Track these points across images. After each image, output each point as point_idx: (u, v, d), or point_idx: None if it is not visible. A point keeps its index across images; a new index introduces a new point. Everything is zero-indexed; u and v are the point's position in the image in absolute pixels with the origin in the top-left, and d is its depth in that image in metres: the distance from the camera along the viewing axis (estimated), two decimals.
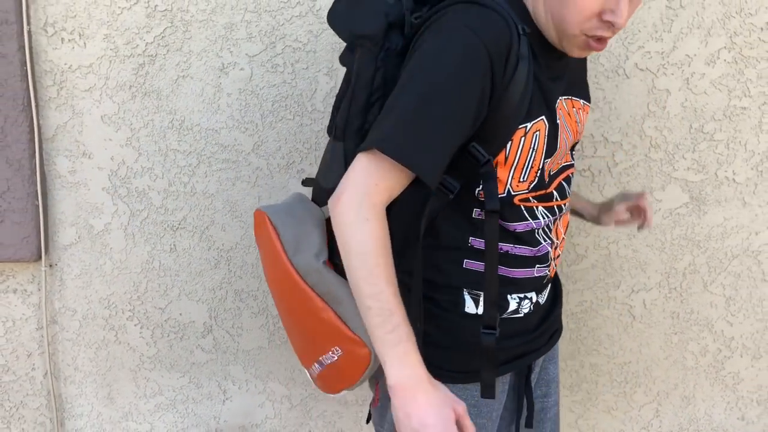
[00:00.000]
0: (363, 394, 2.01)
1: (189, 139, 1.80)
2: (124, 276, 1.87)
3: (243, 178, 1.83)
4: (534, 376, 1.34)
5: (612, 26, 1.05)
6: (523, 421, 1.33)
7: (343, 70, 1.77)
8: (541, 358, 1.35)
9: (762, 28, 1.71)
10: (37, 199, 1.78)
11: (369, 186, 1.03)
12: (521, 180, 1.13)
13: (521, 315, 1.22)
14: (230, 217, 1.85)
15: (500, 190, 1.12)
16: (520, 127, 1.09)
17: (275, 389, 1.98)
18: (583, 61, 1.32)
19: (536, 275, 1.23)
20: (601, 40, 1.09)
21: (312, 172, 1.84)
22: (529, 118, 1.10)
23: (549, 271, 1.25)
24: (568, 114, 1.20)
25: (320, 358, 1.23)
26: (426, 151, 1.02)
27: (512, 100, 1.05)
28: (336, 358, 1.20)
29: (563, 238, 1.28)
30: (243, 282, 1.90)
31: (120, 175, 1.81)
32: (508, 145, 1.10)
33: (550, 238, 1.21)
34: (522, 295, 1.21)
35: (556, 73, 1.16)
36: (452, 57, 1.01)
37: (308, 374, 1.32)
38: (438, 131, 1.02)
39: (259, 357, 1.95)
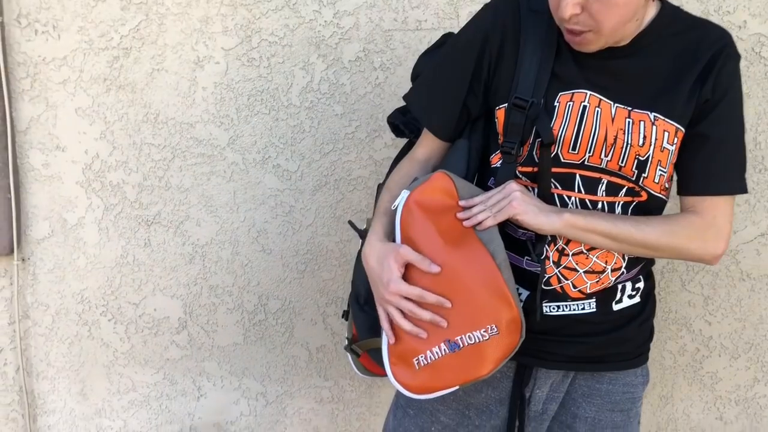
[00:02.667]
0: (339, 392, 1.99)
1: (164, 133, 1.79)
2: (97, 271, 1.85)
3: (218, 172, 1.81)
4: (541, 393, 1.29)
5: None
6: None
7: (320, 65, 1.76)
8: (555, 377, 1.27)
9: (740, 26, 1.70)
10: (9, 192, 1.77)
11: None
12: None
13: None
14: (205, 212, 1.84)
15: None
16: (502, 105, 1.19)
17: (250, 386, 1.96)
18: (677, 73, 1.18)
19: (526, 268, 1.21)
20: (573, 33, 1.10)
21: (289, 167, 1.83)
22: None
23: (546, 272, 1.20)
24: (596, 112, 1.16)
25: (463, 336, 1.11)
26: (432, 104, 1.26)
27: (504, 72, 1.19)
28: (487, 337, 1.10)
29: (582, 252, 1.19)
30: (218, 278, 1.88)
31: (94, 168, 1.80)
32: (495, 114, 1.21)
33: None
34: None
35: (589, 67, 1.16)
36: (468, 23, 1.25)
37: (394, 374, 1.16)
38: (440, 85, 1.25)
39: (234, 353, 1.94)
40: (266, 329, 1.93)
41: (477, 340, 1.12)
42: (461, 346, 1.12)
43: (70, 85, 1.75)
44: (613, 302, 1.24)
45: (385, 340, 1.19)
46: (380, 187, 1.36)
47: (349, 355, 1.37)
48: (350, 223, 1.43)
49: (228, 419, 1.98)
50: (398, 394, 1.36)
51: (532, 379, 1.28)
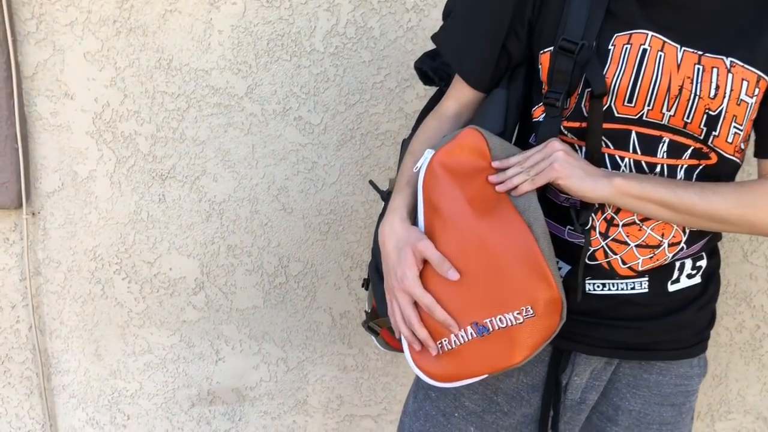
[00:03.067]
0: (363, 360, 1.88)
1: (177, 81, 1.65)
2: (110, 227, 1.75)
3: (236, 124, 1.68)
4: (579, 381, 1.14)
5: None
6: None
7: (346, 6, 1.60)
8: (596, 363, 1.12)
9: None
10: (17, 142, 1.66)
11: None
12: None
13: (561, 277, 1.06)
14: (222, 167, 1.71)
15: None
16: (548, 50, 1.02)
17: (271, 351, 1.86)
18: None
19: (567, 240, 1.06)
20: None
21: (311, 120, 1.68)
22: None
23: (591, 245, 1.04)
24: (658, 57, 0.98)
25: (493, 319, 0.98)
26: (465, 46, 1.10)
27: (551, 9, 1.02)
28: (521, 321, 0.97)
29: (634, 223, 1.03)
30: (236, 237, 1.76)
31: (105, 118, 1.68)
32: (539, 59, 1.04)
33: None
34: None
35: (652, 2, 0.99)
36: None
37: (415, 361, 1.03)
38: (476, 24, 1.08)
39: (254, 317, 1.83)
40: (287, 293, 1.81)
41: (509, 324, 0.98)
42: (490, 330, 0.99)
43: (77, 27, 1.62)
44: (669, 282, 1.08)
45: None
46: (405, 143, 1.21)
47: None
48: (371, 183, 1.28)
49: (247, 384, 1.89)
50: None
51: (570, 364, 1.13)
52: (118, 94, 1.66)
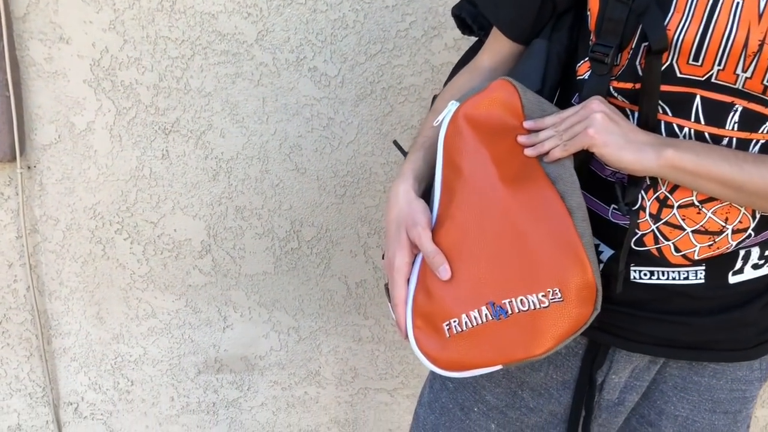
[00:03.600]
0: (380, 332, 1.76)
1: (181, 25, 1.50)
2: (110, 183, 1.63)
3: (244, 74, 1.53)
4: (618, 380, 0.99)
5: None
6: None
7: None
8: (638, 361, 0.98)
9: None
10: (8, 90, 1.53)
11: None
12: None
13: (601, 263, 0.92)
14: (230, 122, 1.57)
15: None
16: None
17: (281, 319, 1.75)
18: None
19: (611, 220, 0.91)
20: None
21: (327, 71, 1.52)
22: None
23: (638, 228, 0.89)
24: (734, 5, 0.80)
25: (513, 300, 0.85)
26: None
27: None
28: (546, 304, 0.84)
29: (693, 204, 0.87)
30: (245, 198, 1.63)
31: (103, 65, 1.54)
32: (587, 6, 0.88)
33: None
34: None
35: None
36: None
37: (417, 340, 0.89)
38: None
39: (264, 283, 1.71)
40: (299, 259, 1.69)
41: (532, 307, 0.84)
42: (509, 312, 0.85)
43: None
44: (730, 273, 0.92)
45: (411, 291, 0.91)
46: (435, 100, 1.06)
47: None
48: (395, 143, 1.13)
49: (256, 353, 1.79)
50: None
51: (608, 361, 0.99)
52: (118, 38, 1.52)
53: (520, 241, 0.86)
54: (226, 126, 1.57)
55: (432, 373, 1.12)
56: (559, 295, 0.84)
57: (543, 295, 0.84)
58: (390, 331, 1.75)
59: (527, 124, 0.89)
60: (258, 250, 1.68)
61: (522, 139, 0.89)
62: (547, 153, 0.87)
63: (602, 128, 0.83)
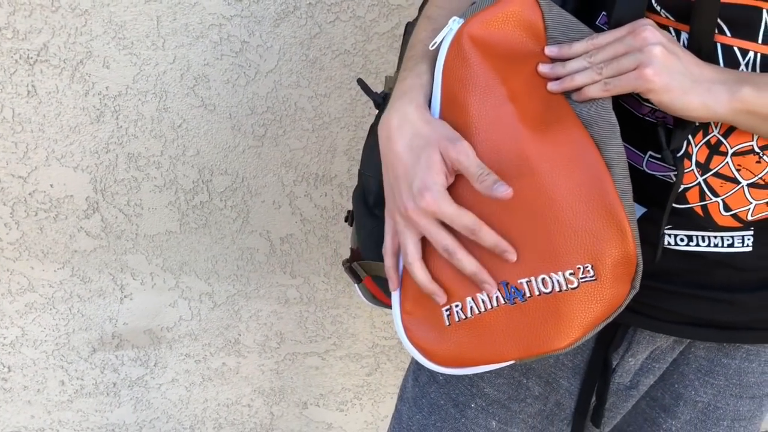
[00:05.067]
0: (309, 291, 1.54)
1: None
2: None
3: None
4: (634, 362, 0.84)
5: None
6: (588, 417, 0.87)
7: None
8: (661, 342, 0.83)
9: None
10: None
11: None
12: None
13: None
14: (115, 47, 1.25)
15: None
16: None
17: (191, 285, 1.49)
18: None
19: (646, 171, 0.74)
20: None
21: None
22: None
23: (682, 181, 0.71)
24: None
25: (533, 279, 0.68)
26: None
27: None
28: (575, 285, 0.67)
29: (752, 151, 0.70)
30: (139, 143, 1.33)
31: None
32: None
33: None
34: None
35: None
36: None
37: (407, 330, 0.72)
38: None
39: (168, 244, 1.44)
40: (210, 213, 1.42)
41: (557, 288, 0.68)
42: (527, 295, 0.69)
43: None
44: None
45: (399, 266, 0.72)
46: (409, 26, 0.82)
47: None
48: (360, 82, 0.88)
49: (163, 325, 1.53)
50: None
51: (626, 342, 0.83)
52: None
53: (543, 203, 0.68)
54: (111, 53, 1.25)
55: (415, 361, 0.92)
56: (592, 273, 0.67)
57: (571, 273, 0.68)
58: (321, 289, 1.53)
59: (549, 51, 0.69)
60: (158, 205, 1.40)
61: (543, 68, 0.69)
62: (578, 90, 0.67)
63: (663, 67, 0.64)
